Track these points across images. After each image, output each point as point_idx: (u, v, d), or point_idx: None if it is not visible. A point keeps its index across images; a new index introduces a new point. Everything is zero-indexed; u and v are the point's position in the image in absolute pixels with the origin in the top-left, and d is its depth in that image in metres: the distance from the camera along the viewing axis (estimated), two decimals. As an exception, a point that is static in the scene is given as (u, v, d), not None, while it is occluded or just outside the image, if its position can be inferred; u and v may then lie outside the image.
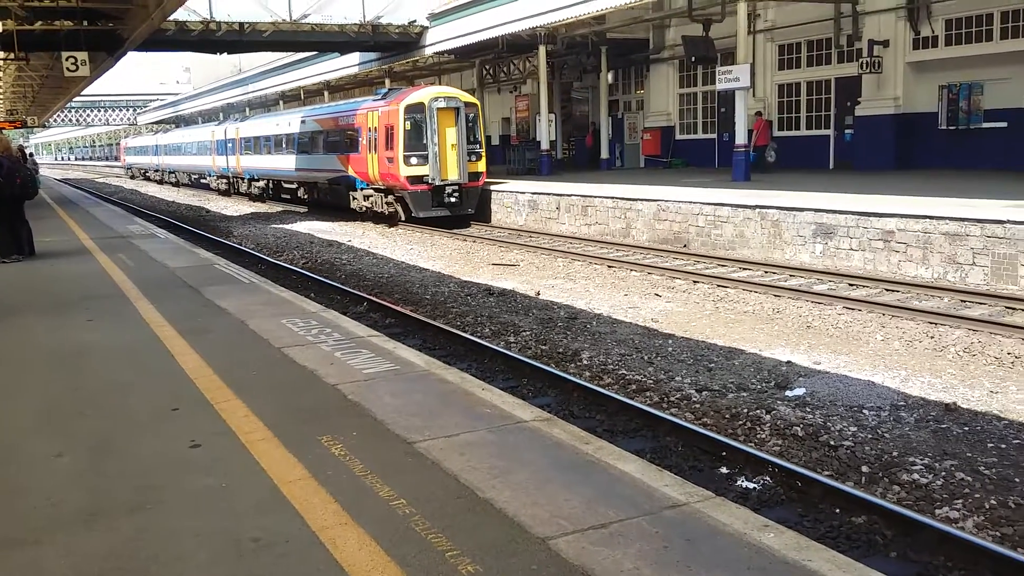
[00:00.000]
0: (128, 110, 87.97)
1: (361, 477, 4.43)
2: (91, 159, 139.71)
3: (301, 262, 17.61)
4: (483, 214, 22.87)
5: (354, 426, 5.24)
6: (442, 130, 21.23)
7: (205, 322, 8.50)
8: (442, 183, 21.27)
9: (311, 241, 21.20)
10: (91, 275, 11.95)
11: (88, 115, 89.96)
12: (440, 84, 33.81)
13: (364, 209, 24.33)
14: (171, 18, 19.68)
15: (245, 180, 35.57)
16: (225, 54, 30.02)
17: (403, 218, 22.65)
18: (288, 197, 31.91)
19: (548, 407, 7.31)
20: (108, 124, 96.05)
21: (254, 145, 33.33)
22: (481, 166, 22.10)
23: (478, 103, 22.45)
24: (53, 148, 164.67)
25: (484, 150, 22.42)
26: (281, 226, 25.24)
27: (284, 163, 30.00)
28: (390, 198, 22.59)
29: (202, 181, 44.38)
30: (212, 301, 9.63)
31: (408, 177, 21.13)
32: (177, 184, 51.25)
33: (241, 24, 23.90)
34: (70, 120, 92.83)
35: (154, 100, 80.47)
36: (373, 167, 22.52)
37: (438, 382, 6.22)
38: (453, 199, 21.48)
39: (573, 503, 4.05)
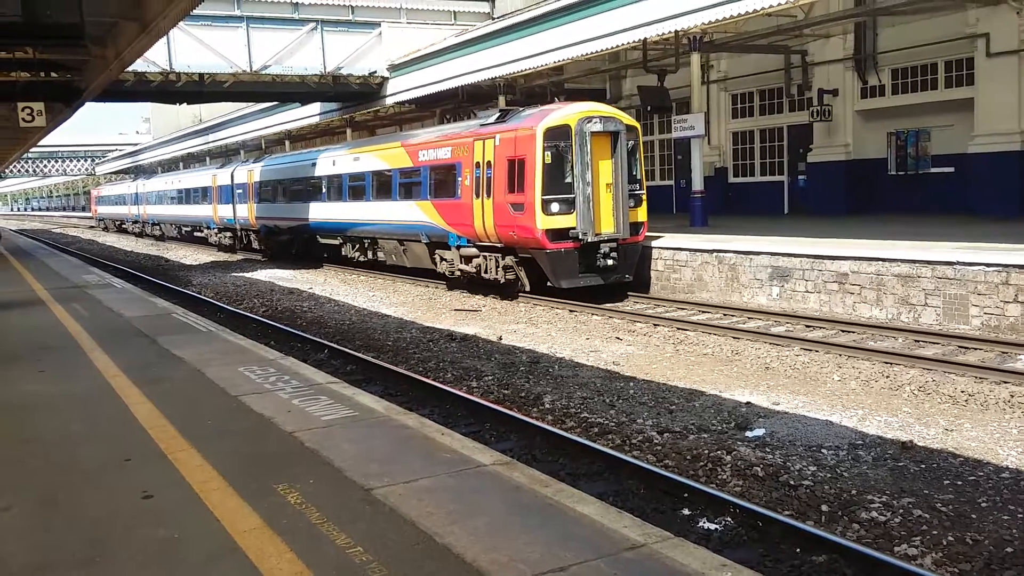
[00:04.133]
0: (86, 160, 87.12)
1: (317, 525, 4.36)
2: (49, 209, 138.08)
3: (261, 310, 17.45)
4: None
5: (311, 474, 5.17)
6: (596, 164, 15.62)
7: (160, 371, 8.36)
8: (596, 239, 15.55)
9: (272, 289, 21.03)
10: (44, 326, 11.73)
11: (45, 165, 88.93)
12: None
13: (457, 274, 18.32)
14: (130, 69, 19.63)
15: (260, 234, 29.64)
16: (185, 104, 29.98)
17: (526, 288, 16.78)
18: (327, 256, 25.97)
19: (511, 451, 7.28)
20: (66, 174, 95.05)
21: (275, 191, 27.94)
22: (642, 214, 16.42)
23: (639, 126, 16.87)
24: (9, 199, 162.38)
25: (645, 191, 16.78)
26: (241, 274, 25.03)
27: (324, 213, 24.28)
28: (508, 260, 16.67)
29: (196, 234, 38.50)
30: (168, 350, 9.49)
31: (548, 231, 15.31)
32: (162, 237, 45.30)
33: (201, 75, 23.92)
34: (27, 171, 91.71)
35: (113, 150, 79.85)
36: (484, 218, 16.66)
37: (397, 428, 6.17)
38: (610, 261, 15.62)
39: (532, 547, 4.02)
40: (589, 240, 15.41)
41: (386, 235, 21.16)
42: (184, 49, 22.66)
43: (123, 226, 55.35)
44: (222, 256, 32.88)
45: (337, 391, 7.36)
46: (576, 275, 15.58)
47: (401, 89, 25.60)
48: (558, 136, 15.43)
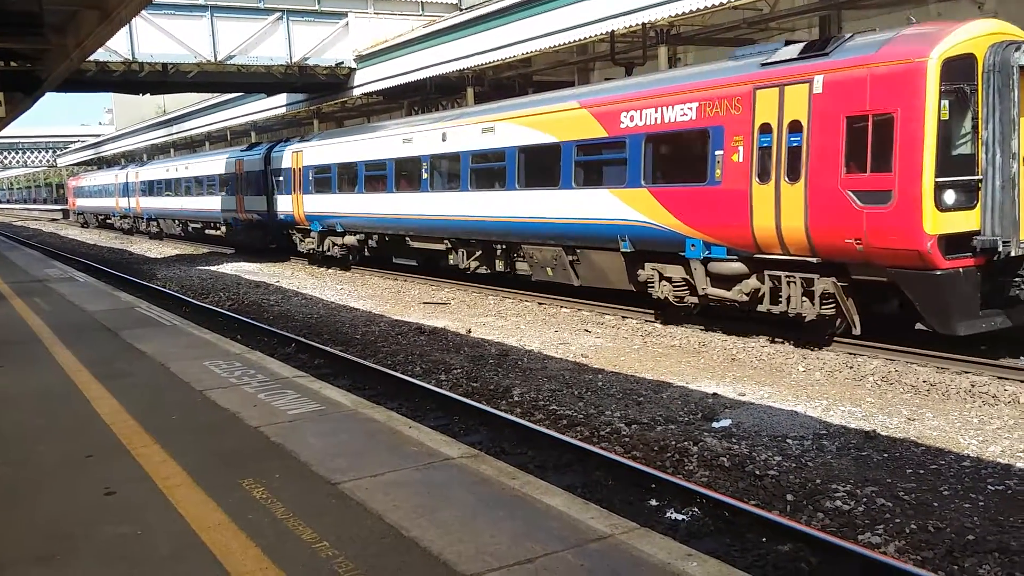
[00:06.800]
0: (48, 152, 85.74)
1: (283, 520, 4.33)
2: (9, 202, 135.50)
3: (227, 304, 17.28)
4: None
5: (277, 468, 5.13)
6: (1022, 121, 9.65)
7: (124, 366, 8.25)
8: (1020, 251, 9.52)
9: (238, 282, 20.83)
10: (4, 320, 11.51)
11: (5, 157, 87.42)
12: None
13: (689, 303, 12.51)
14: (91, 58, 19.28)
15: (313, 233, 23.99)
16: (148, 94, 29.54)
17: (855, 330, 10.55)
18: (415, 264, 20.56)
19: (479, 444, 7.27)
20: (27, 166, 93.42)
21: (339, 178, 22.09)
22: None
23: None
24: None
25: None
26: (207, 268, 24.76)
27: (426, 207, 18.22)
28: (827, 284, 10.38)
29: (209, 232, 32.84)
30: (132, 345, 9.36)
31: (941, 237, 9.33)
32: (160, 235, 39.45)
33: (164, 65, 23.54)
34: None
35: (75, 141, 78.58)
36: (780, 214, 10.56)
37: (365, 421, 6.14)
38: None
39: (499, 539, 4.02)
40: (1012, 254, 9.44)
41: (540, 239, 15.04)
42: (147, 38, 22.30)
43: (107, 221, 48.60)
44: (188, 249, 32.46)
45: (304, 385, 7.30)
46: (976, 312, 9.57)
47: (369, 80, 25.39)
48: (960, 74, 9.43)
